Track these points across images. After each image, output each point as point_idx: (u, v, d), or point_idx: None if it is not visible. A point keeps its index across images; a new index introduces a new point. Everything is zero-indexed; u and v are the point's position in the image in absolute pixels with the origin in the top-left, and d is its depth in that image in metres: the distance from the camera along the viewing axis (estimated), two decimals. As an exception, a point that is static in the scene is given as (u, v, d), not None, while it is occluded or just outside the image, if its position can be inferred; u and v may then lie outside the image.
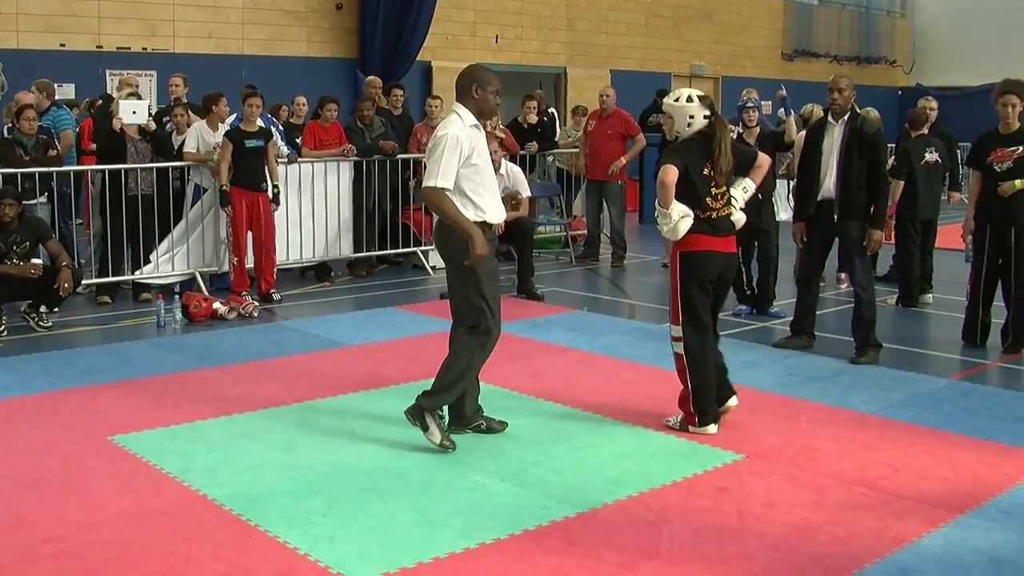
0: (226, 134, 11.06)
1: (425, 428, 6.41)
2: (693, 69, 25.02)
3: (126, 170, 10.96)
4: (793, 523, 5.28)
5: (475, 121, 6.43)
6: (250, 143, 10.96)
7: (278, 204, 11.44)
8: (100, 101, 12.67)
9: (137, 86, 12.26)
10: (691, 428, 6.79)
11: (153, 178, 11.24)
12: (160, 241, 11.60)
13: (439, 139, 6.26)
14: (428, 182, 6.24)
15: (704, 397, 6.79)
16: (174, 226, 11.64)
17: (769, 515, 5.39)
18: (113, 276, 11.17)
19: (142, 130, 11.07)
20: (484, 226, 6.35)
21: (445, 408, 6.63)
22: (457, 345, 6.58)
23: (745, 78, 22.69)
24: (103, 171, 10.98)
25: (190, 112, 12.09)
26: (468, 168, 6.29)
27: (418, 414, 6.43)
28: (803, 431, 6.76)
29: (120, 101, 11.04)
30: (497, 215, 6.50)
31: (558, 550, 4.94)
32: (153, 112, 13.06)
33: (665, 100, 7.06)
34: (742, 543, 5.04)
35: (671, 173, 6.59)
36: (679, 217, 6.59)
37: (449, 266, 6.56)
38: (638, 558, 4.86)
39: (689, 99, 6.81)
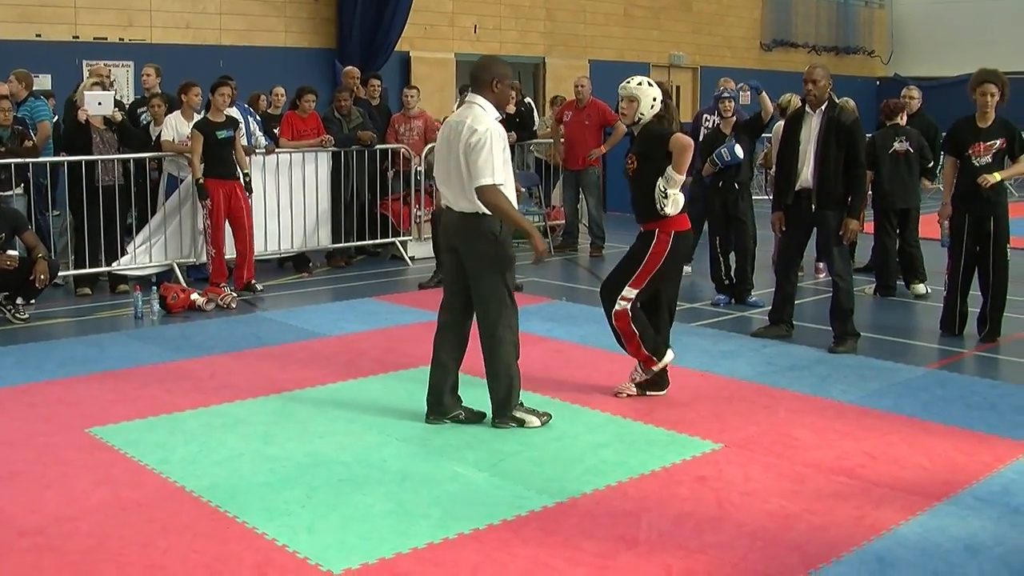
0: (195, 126, 11.02)
1: (521, 423, 6.59)
2: (671, 59, 25.03)
3: (92, 161, 10.88)
4: (771, 512, 5.29)
5: (497, 114, 6.46)
6: (221, 133, 10.93)
7: (251, 192, 11.41)
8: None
9: (108, 76, 12.21)
10: (654, 368, 7.13)
11: (119, 169, 11.16)
12: (137, 232, 11.56)
13: (482, 135, 6.25)
14: (484, 180, 6.24)
15: (650, 336, 7.10)
16: (150, 217, 11.58)
17: (747, 504, 5.40)
18: (89, 268, 11.11)
19: (107, 120, 11.01)
20: None
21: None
22: (491, 348, 6.61)
23: (724, 68, 22.70)
24: (67, 163, 10.91)
25: (167, 103, 12.05)
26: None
27: (506, 420, 6.60)
28: (781, 420, 6.78)
29: (85, 92, 10.94)
30: (515, 206, 6.55)
31: (536, 540, 4.93)
32: (128, 103, 13.05)
33: (627, 85, 7.09)
34: (721, 532, 5.04)
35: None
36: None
37: (472, 256, 6.52)
38: (617, 548, 4.86)
39: (650, 83, 7.06)
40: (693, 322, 9.57)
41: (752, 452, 6.17)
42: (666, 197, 6.93)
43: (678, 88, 24.59)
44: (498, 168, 6.27)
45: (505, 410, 6.62)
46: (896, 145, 10.90)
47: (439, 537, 4.95)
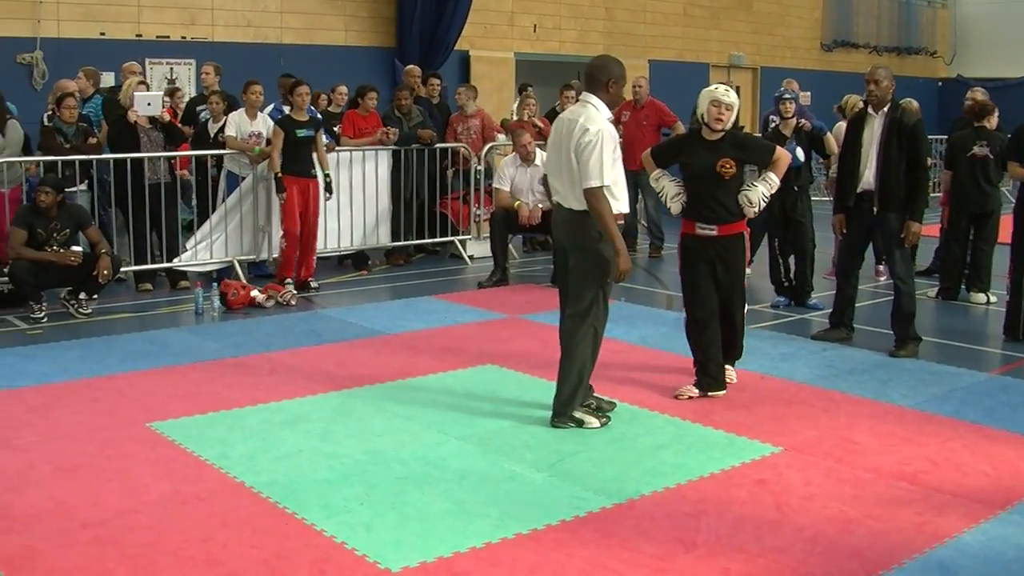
0: (277, 122, 11.16)
1: (580, 423, 6.59)
2: (731, 59, 24.86)
3: (139, 159, 10.96)
4: (831, 516, 5.24)
5: (609, 114, 6.51)
6: (301, 132, 11.02)
7: (331, 193, 11.50)
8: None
9: (140, 72, 12.31)
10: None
11: (165, 167, 11.27)
12: (198, 228, 11.67)
13: (594, 135, 6.29)
14: (592, 182, 6.28)
15: None
16: (211, 213, 11.68)
17: (807, 508, 5.36)
18: (150, 264, 11.22)
19: (152, 120, 11.09)
20: (619, 217, 6.50)
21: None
22: (568, 342, 6.61)
23: (784, 69, 22.55)
24: (114, 161, 10.99)
25: (225, 101, 12.14)
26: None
27: (565, 419, 6.60)
28: (841, 424, 6.72)
29: (135, 93, 11.06)
30: (628, 206, 6.61)
31: (594, 541, 4.92)
32: (186, 100, 13.17)
33: (728, 94, 7.22)
34: (780, 536, 5.01)
35: None
36: None
37: (576, 252, 6.56)
38: (675, 550, 4.84)
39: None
40: (753, 324, 9.47)
41: (812, 456, 6.12)
42: (765, 200, 7.24)
43: (738, 89, 24.38)
44: (607, 169, 6.30)
45: (566, 409, 6.62)
46: (976, 149, 10.72)
47: (497, 536, 4.95)
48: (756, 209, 7.27)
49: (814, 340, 8.98)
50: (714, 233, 7.26)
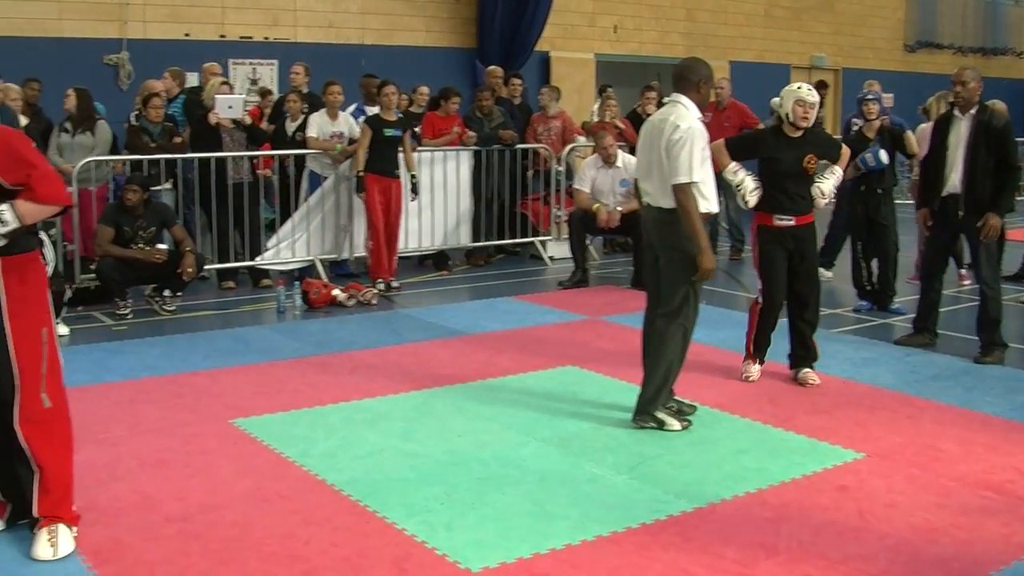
0: (366, 120, 11.25)
1: (660, 424, 6.59)
2: (813, 61, 24.63)
3: (222, 159, 11.12)
4: (915, 525, 5.17)
5: (699, 113, 6.56)
6: (388, 131, 11.08)
7: (417, 194, 11.55)
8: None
9: (220, 73, 12.43)
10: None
11: (247, 167, 11.40)
12: (279, 227, 11.78)
13: (684, 133, 6.36)
14: (681, 178, 6.33)
15: None
16: (293, 212, 11.78)
17: (890, 516, 5.29)
18: (233, 262, 11.36)
19: (235, 120, 11.23)
20: (706, 216, 6.53)
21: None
22: (657, 340, 6.61)
23: (866, 70, 22.29)
24: (198, 161, 11.13)
25: (303, 100, 12.24)
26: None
27: (647, 417, 6.60)
28: (925, 431, 6.62)
29: (216, 96, 11.22)
30: (716, 206, 6.63)
31: (675, 545, 4.90)
32: (273, 100, 13.28)
33: (811, 93, 7.47)
34: (863, 544, 4.95)
35: None
36: None
37: (667, 252, 6.57)
38: (756, 556, 4.80)
39: None
40: (835, 328, 9.41)
41: (895, 463, 6.04)
42: (834, 192, 7.78)
43: (821, 84, 24.13)
44: (696, 167, 6.34)
45: (649, 407, 6.61)
46: None
47: (577, 538, 4.94)
48: (827, 200, 7.73)
49: (897, 345, 8.86)
50: (792, 223, 7.54)
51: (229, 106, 11.02)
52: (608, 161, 11.49)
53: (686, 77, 6.60)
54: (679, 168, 6.32)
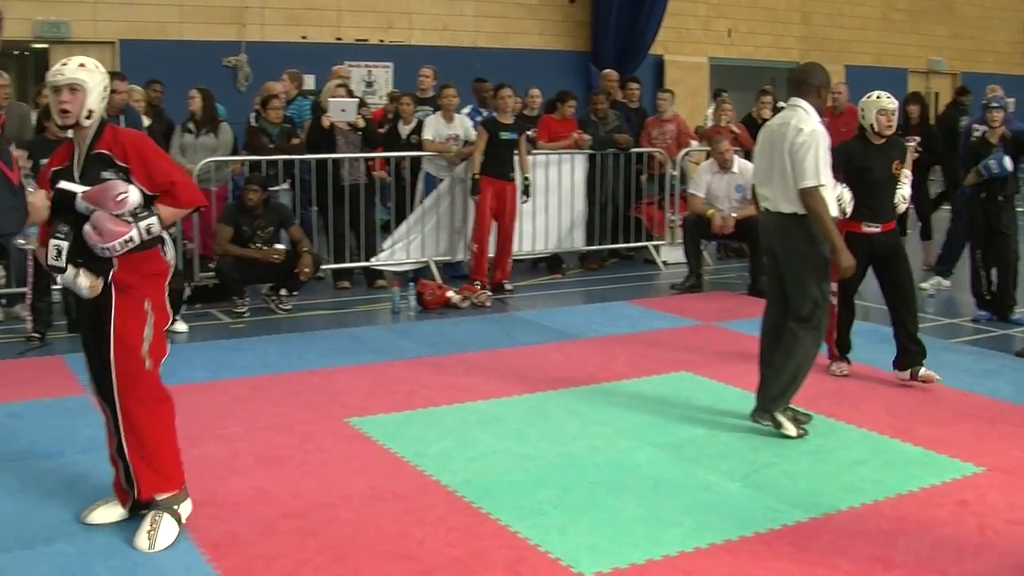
0: (482, 123, 11.28)
1: (778, 426, 6.53)
2: (930, 65, 24.24)
3: (338, 161, 11.22)
4: (1040, 543, 5.04)
5: (818, 117, 6.52)
6: (505, 134, 11.08)
7: (529, 196, 11.54)
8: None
9: (348, 77, 12.54)
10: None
11: (363, 169, 11.47)
12: (394, 229, 11.87)
13: (808, 135, 6.33)
14: (808, 182, 6.31)
15: None
16: (408, 214, 11.86)
17: (1013, 533, 5.15)
18: (347, 263, 11.46)
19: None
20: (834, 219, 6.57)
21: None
22: (790, 342, 6.56)
23: (985, 74, 21.84)
24: (315, 162, 11.23)
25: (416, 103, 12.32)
26: None
27: (766, 416, 6.56)
28: (1049, 445, 6.46)
29: (329, 99, 11.34)
30: (836, 209, 6.58)
31: (789, 555, 4.83)
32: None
33: (890, 100, 7.61)
34: (983, 560, 4.83)
35: None
36: None
37: (789, 256, 6.55)
38: (873, 568, 4.71)
39: None
40: (952, 339, 9.24)
41: (1017, 478, 5.88)
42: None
43: (936, 95, 23.79)
44: (822, 170, 6.31)
45: (771, 406, 6.54)
46: None
47: (691, 546, 4.90)
48: (907, 204, 8.07)
49: (1018, 357, 8.65)
50: (879, 230, 7.60)
51: (342, 109, 11.12)
52: (724, 166, 11.40)
53: (806, 81, 6.54)
54: (805, 172, 6.28)
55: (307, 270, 9.91)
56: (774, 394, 6.54)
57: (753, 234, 10.50)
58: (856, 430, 6.71)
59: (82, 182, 4.73)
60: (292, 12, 16.46)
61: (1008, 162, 9.67)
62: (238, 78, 15.99)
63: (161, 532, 4.85)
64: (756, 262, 11.11)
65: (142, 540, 4.80)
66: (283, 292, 10.14)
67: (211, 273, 10.22)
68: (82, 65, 4.72)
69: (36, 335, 8.66)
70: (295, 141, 11.23)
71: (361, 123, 11.29)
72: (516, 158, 11.34)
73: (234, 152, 11.25)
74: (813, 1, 22.36)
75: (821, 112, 6.57)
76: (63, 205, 4.69)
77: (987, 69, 24.11)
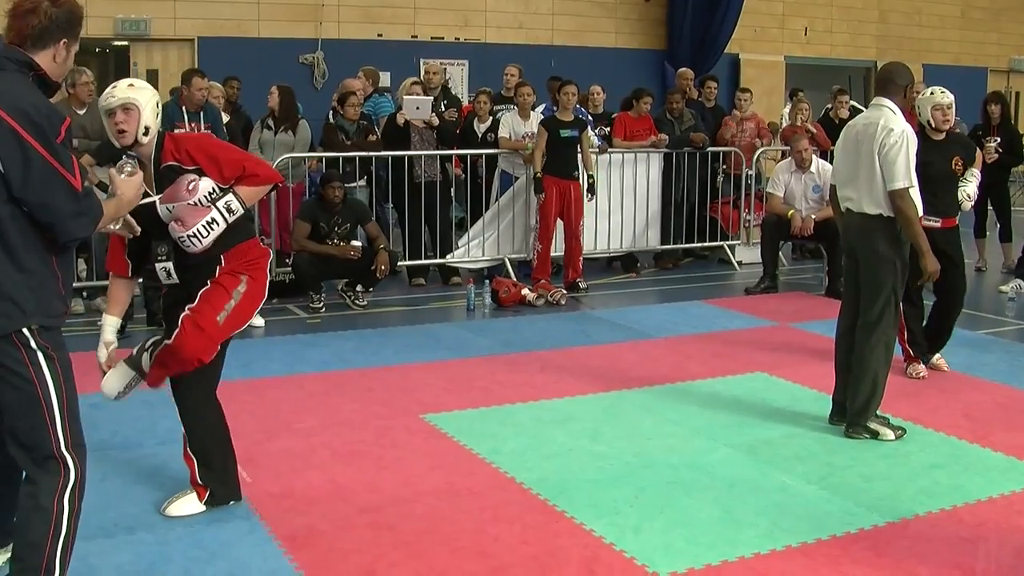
0: (542, 122, 11.20)
1: (875, 435, 6.49)
2: (1011, 64, 23.84)
3: (413, 158, 11.24)
4: None
5: (903, 117, 6.46)
6: (565, 132, 11.03)
7: (594, 194, 11.49)
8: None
9: (437, 74, 12.56)
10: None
11: (438, 166, 11.48)
12: (470, 227, 11.90)
13: (898, 136, 6.28)
14: (900, 183, 6.26)
15: None
16: (484, 212, 11.89)
17: (1096, 540, 5.07)
18: (422, 260, 11.52)
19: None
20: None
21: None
22: (863, 350, 6.52)
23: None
24: (390, 159, 11.26)
25: (492, 101, 12.35)
26: None
27: (859, 429, 6.51)
28: None
29: (404, 96, 11.41)
30: (922, 210, 6.51)
31: (866, 560, 4.78)
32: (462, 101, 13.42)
33: (945, 95, 7.64)
34: (1066, 569, 4.77)
35: None
36: None
37: (869, 258, 6.49)
38: (952, 575, 4.66)
39: None
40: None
41: (1101, 485, 5.79)
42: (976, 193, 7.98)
43: (1017, 95, 23.44)
44: (912, 171, 6.27)
45: (860, 419, 6.48)
46: None
47: (766, 548, 4.87)
48: (972, 202, 8.04)
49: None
50: (938, 225, 7.54)
51: (417, 107, 11.16)
52: (802, 166, 11.30)
53: (893, 81, 6.48)
54: (897, 173, 6.23)
55: (383, 267, 9.96)
56: (859, 408, 6.48)
57: (831, 235, 10.45)
58: (933, 434, 6.62)
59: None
60: (368, 10, 16.56)
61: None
62: (314, 75, 16.11)
63: (177, 503, 5.18)
64: (834, 263, 11.00)
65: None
66: (359, 288, 10.20)
67: (288, 269, 10.29)
68: (131, 85, 4.81)
69: (116, 327, 8.76)
70: (371, 138, 11.27)
71: (436, 121, 11.32)
72: (580, 156, 11.30)
73: (311, 149, 11.33)
74: (891, -1, 22.15)
75: (904, 112, 6.51)
76: (153, 224, 4.82)
77: (1072, 67, 23.73)
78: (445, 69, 13.99)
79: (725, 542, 4.92)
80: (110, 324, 5.04)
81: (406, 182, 11.19)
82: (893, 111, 6.38)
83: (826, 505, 5.44)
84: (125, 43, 15.69)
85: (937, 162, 7.49)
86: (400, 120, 11.15)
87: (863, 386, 6.45)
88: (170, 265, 4.92)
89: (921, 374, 7.81)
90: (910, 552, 4.88)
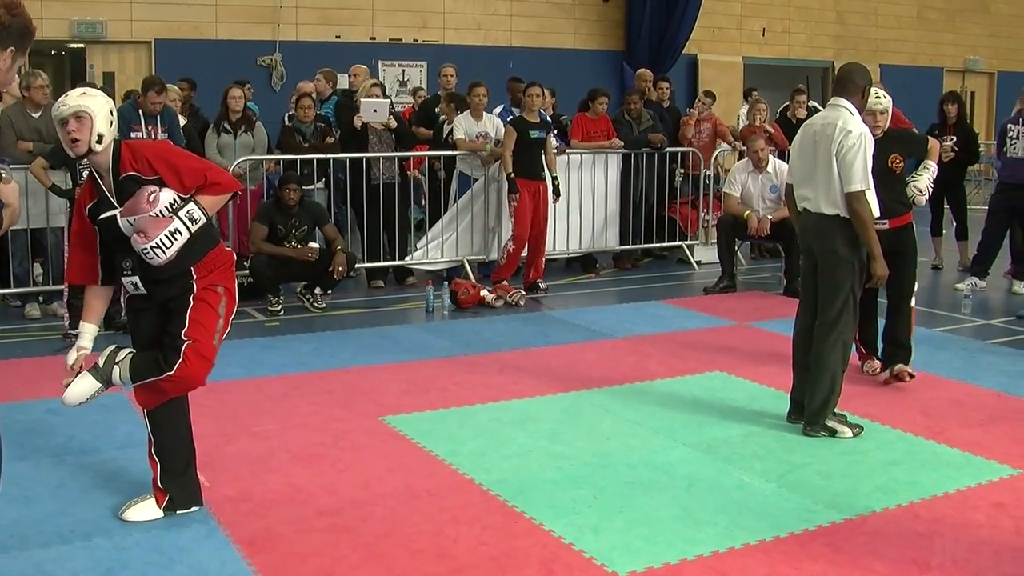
0: (510, 122, 11.23)
1: (833, 433, 6.51)
2: (966, 64, 24.05)
3: (371, 160, 11.22)
4: (1079, 546, 4.99)
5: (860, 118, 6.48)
6: (534, 133, 11.05)
7: (558, 195, 11.47)
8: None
9: (370, 76, 12.54)
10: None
11: (397, 168, 11.47)
12: (429, 228, 11.88)
13: (856, 138, 6.31)
14: (856, 186, 6.30)
15: None
16: (443, 214, 11.88)
17: (1051, 535, 5.11)
18: (381, 261, 11.49)
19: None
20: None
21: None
22: (816, 351, 6.55)
23: (1023, 73, 21.71)
24: (348, 161, 11.23)
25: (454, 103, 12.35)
26: None
27: (817, 428, 6.54)
28: (1088, 448, 6.39)
29: (361, 100, 11.39)
30: (877, 211, 6.53)
31: (824, 556, 4.81)
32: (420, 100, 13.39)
33: (884, 98, 7.50)
34: (1021, 563, 4.78)
35: None
36: None
37: (827, 258, 6.52)
38: (909, 571, 4.68)
39: None
40: (988, 340, 9.17)
41: (1055, 479, 5.84)
42: (931, 186, 7.78)
43: (972, 94, 23.64)
44: (868, 173, 6.30)
45: (818, 417, 6.52)
46: None
47: (725, 546, 4.88)
48: (926, 197, 7.79)
49: (1056, 358, 8.58)
50: (886, 226, 7.28)
51: (374, 110, 11.15)
52: (759, 166, 11.35)
53: (852, 81, 6.50)
54: (854, 176, 6.27)
55: (341, 269, 9.94)
56: (817, 407, 6.52)
57: (788, 235, 10.50)
58: (891, 431, 6.67)
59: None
60: (326, 12, 16.53)
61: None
62: (272, 77, 16.06)
63: (134, 508, 5.13)
64: (791, 263, 11.06)
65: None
66: (317, 290, 10.18)
67: (246, 271, 10.24)
68: (84, 93, 4.79)
69: (73, 332, 8.70)
70: (329, 140, 11.24)
71: (394, 124, 11.30)
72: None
73: (268, 151, 11.29)
74: (848, 0, 22.27)
75: (862, 112, 6.54)
76: (115, 238, 4.81)
77: (1025, 68, 23.96)
78: (403, 70, 13.97)
79: (684, 541, 4.93)
80: (87, 331, 5.02)
81: (364, 184, 11.15)
82: (851, 111, 6.40)
83: (784, 503, 5.46)
84: (81, 45, 15.60)
85: (874, 161, 7.46)
86: (357, 123, 11.12)
87: (821, 385, 6.48)
88: (136, 279, 4.89)
89: (875, 370, 7.84)
90: (867, 548, 4.91)
